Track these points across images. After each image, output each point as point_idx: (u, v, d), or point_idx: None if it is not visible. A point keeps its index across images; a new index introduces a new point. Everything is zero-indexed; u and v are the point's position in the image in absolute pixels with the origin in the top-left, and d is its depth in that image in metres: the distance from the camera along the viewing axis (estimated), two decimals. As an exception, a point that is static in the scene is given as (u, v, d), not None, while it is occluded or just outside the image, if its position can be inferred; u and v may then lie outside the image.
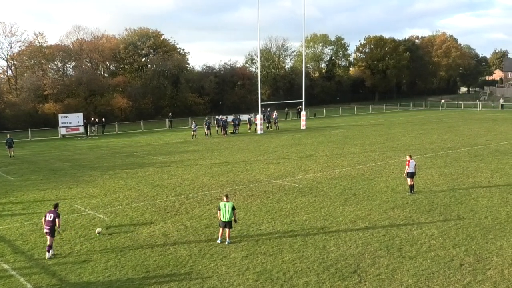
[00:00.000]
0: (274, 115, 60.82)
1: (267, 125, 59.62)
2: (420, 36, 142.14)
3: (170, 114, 69.15)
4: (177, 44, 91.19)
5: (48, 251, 16.47)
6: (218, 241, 17.36)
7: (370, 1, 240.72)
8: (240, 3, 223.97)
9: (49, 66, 77.70)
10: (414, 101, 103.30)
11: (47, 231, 16.55)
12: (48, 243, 16.58)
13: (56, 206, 17.23)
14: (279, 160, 34.84)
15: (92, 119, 60.81)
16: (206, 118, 56.66)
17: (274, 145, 43.34)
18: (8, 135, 41.31)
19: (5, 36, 72.77)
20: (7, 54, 74.19)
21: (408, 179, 23.89)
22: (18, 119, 64.47)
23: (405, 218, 19.77)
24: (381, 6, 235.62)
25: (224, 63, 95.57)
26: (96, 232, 18.68)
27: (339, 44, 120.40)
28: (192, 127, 51.77)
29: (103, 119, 61.52)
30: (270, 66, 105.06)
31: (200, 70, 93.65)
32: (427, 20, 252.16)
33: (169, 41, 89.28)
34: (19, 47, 74.55)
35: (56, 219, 16.53)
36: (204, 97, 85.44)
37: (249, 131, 56.75)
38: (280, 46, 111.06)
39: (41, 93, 71.40)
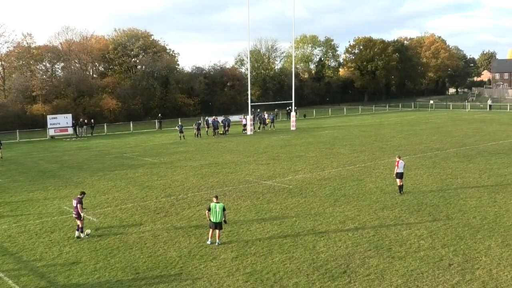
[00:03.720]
0: (266, 115, 61.02)
1: (259, 125, 59.85)
2: (409, 37, 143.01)
3: (159, 115, 68.94)
4: (167, 45, 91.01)
5: (77, 230, 18.54)
6: (208, 242, 17.34)
7: (358, 2, 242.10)
8: (228, 4, 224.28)
9: (38, 67, 77.12)
10: (403, 102, 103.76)
11: (74, 216, 18.66)
12: (79, 224, 18.48)
13: (81, 193, 19.13)
14: (269, 161, 34.85)
15: (81, 120, 60.50)
16: (199, 122, 56.60)
17: (264, 146, 43.35)
18: (-4, 136, 41.04)
19: (-8, 37, 72.21)
20: (-5, 55, 73.66)
21: (397, 180, 23.99)
22: (6, 120, 63.89)
23: (395, 218, 19.86)
24: (370, 7, 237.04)
25: (214, 64, 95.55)
26: (85, 233, 18.57)
27: (329, 45, 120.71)
28: (178, 128, 51.65)
29: (92, 120, 61.26)
30: (259, 67, 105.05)
31: (190, 71, 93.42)
32: (415, 21, 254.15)
33: (159, 42, 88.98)
34: (7, 47, 73.98)
35: (78, 205, 18.34)
36: (194, 98, 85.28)
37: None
38: (270, 47, 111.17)
39: (30, 94, 70.83)
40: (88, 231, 18.74)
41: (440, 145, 40.40)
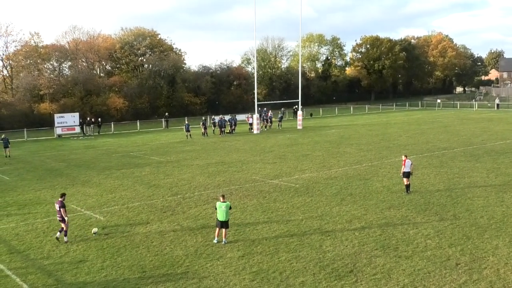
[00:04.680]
0: (270, 114, 61.13)
1: (266, 124, 59.91)
2: (416, 36, 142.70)
3: (166, 114, 69.04)
4: (174, 44, 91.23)
5: (59, 231, 18.02)
6: (215, 241, 17.35)
7: (365, 0, 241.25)
8: (234, 3, 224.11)
9: (45, 66, 77.51)
10: (410, 101, 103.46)
11: (59, 219, 18.06)
12: (64, 228, 17.98)
13: (62, 195, 18.34)
14: (275, 160, 34.84)
15: (88, 119, 60.70)
16: (203, 118, 56.76)
17: (270, 145, 43.34)
18: (3, 135, 41.28)
19: (0, 36, 72.73)
20: (3, 54, 74.28)
21: (404, 179, 23.92)
22: (14, 119, 64.33)
23: (401, 217, 19.81)
24: (377, 6, 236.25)
25: (220, 63, 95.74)
26: (92, 232, 18.63)
27: (335, 44, 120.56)
28: (185, 128, 51.74)
29: (99, 119, 61.42)
30: (266, 66, 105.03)
31: (196, 70, 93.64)
32: (422, 20, 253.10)
33: (166, 41, 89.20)
34: (15, 46, 74.55)
35: (61, 209, 17.72)
36: (200, 97, 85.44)
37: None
38: (276, 46, 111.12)
39: (37, 93, 71.26)
40: (95, 229, 18.78)
41: (447, 144, 40.24)
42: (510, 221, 18.96)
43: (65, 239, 17.83)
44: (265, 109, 67.94)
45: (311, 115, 77.11)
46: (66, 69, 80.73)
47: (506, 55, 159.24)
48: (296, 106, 67.25)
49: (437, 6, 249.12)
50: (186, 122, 53.09)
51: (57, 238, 17.87)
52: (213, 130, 54.87)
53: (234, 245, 17.03)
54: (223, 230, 17.26)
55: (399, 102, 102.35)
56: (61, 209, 17.69)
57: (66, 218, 17.76)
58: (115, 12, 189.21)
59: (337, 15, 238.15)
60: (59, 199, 18.07)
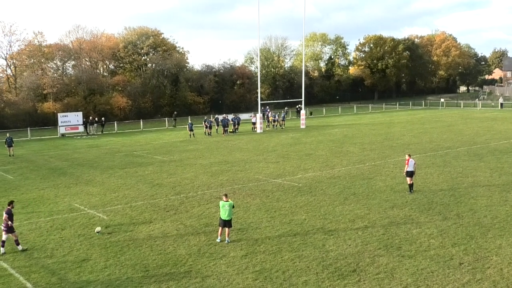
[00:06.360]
0: (270, 113, 61.18)
1: (272, 124, 59.82)
2: (419, 35, 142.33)
3: (175, 112, 68.81)
4: (177, 43, 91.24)
5: (2, 246, 16.92)
6: (218, 240, 17.36)
7: (368, 0, 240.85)
8: (238, 2, 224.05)
9: (49, 65, 77.76)
10: (414, 100, 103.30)
11: (3, 228, 17.00)
12: (2, 238, 16.99)
13: (9, 203, 17.56)
14: (279, 159, 34.83)
15: (91, 118, 60.84)
16: (205, 118, 56.85)
17: (273, 144, 43.33)
18: (7, 134, 41.40)
19: (4, 35, 73.33)
20: (7, 53, 74.43)
21: (408, 178, 23.87)
22: (18, 118, 64.59)
23: (404, 217, 19.77)
24: (380, 5, 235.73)
25: (224, 62, 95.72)
26: (95, 231, 18.68)
27: (339, 43, 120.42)
28: (188, 127, 51.77)
29: (103, 118, 61.57)
30: (269, 65, 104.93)
31: (200, 69, 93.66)
32: (426, 19, 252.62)
33: (169, 40, 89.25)
34: (19, 46, 74.85)
35: (5, 215, 16.86)
36: (204, 96, 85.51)
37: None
38: (280, 45, 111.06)
39: (41, 92, 71.48)
40: (98, 228, 18.83)
41: (451, 144, 40.15)
42: (513, 221, 18.91)
43: (2, 250, 16.81)
44: (267, 107, 67.99)
45: (311, 113, 76.86)
46: (70, 69, 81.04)
47: (510, 54, 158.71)
48: (299, 105, 67.24)
49: (441, 5, 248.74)
50: (190, 121, 53.12)
51: (24, 249, 17.02)
52: (216, 129, 54.91)
53: (237, 244, 17.04)
54: (226, 229, 17.27)
55: (402, 102, 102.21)
56: (4, 215, 16.82)
57: (12, 226, 16.84)
58: (119, 12, 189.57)
59: (340, 15, 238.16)
60: (7, 207, 17.18)
